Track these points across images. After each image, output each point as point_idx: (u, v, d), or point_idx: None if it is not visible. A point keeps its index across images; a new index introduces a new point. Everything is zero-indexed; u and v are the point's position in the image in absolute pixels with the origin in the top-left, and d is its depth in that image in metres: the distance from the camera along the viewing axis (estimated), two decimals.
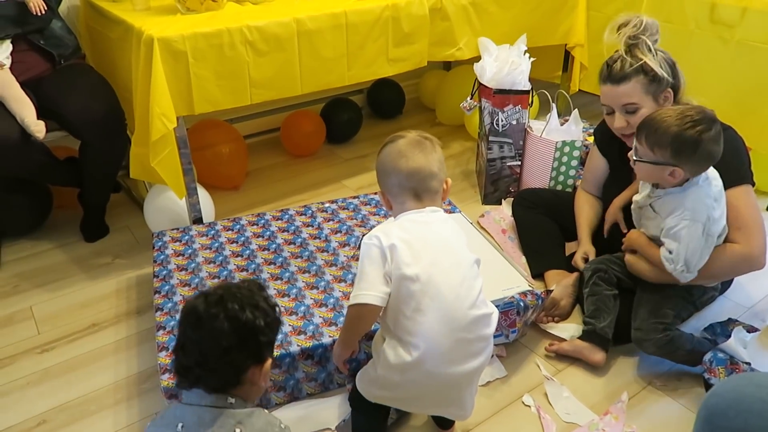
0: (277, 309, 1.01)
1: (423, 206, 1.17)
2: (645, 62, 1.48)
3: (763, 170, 2.34)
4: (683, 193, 1.37)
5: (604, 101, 1.57)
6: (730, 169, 1.46)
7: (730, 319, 1.67)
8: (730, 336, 1.52)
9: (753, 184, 1.53)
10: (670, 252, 1.40)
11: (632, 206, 1.55)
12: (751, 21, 2.11)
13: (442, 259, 1.13)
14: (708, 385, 1.44)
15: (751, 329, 1.57)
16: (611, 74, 1.52)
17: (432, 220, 1.17)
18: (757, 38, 2.10)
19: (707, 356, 1.46)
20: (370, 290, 1.10)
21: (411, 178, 1.15)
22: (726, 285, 1.73)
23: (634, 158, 1.40)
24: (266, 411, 1.01)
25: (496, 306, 1.54)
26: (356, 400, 1.24)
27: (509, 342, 1.59)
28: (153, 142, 1.68)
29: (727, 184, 1.48)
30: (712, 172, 1.41)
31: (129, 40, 1.79)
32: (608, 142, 1.73)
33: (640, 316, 1.51)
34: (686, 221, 1.35)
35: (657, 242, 1.47)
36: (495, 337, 1.54)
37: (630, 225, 1.60)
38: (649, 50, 1.49)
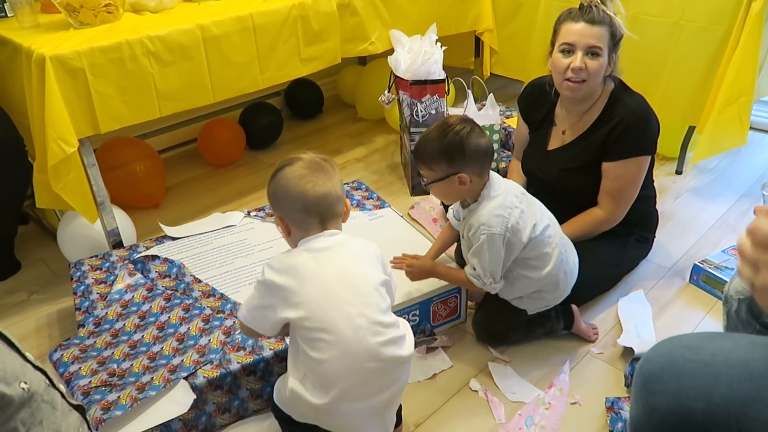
0: None
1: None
2: (612, 18, 1.54)
3: (665, 136, 2.47)
4: (478, 209, 1.37)
5: (569, 39, 1.56)
6: (630, 139, 1.56)
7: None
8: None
9: (651, 154, 1.60)
10: (474, 269, 1.41)
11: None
12: None
13: (337, 292, 1.09)
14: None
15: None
16: (588, 14, 1.54)
17: (330, 245, 1.12)
18: (648, 11, 2.20)
19: None
20: (261, 326, 1.15)
21: (319, 204, 1.11)
22: (645, 251, 1.83)
23: (423, 184, 1.41)
24: None
25: (437, 296, 1.56)
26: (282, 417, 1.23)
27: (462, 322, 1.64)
28: (52, 167, 1.58)
29: (621, 155, 1.58)
30: (512, 185, 1.42)
31: (18, 62, 1.66)
32: (530, 106, 1.80)
33: (478, 318, 1.59)
34: (483, 236, 1.35)
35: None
36: (450, 321, 1.61)
37: None
38: (615, 13, 1.56)
